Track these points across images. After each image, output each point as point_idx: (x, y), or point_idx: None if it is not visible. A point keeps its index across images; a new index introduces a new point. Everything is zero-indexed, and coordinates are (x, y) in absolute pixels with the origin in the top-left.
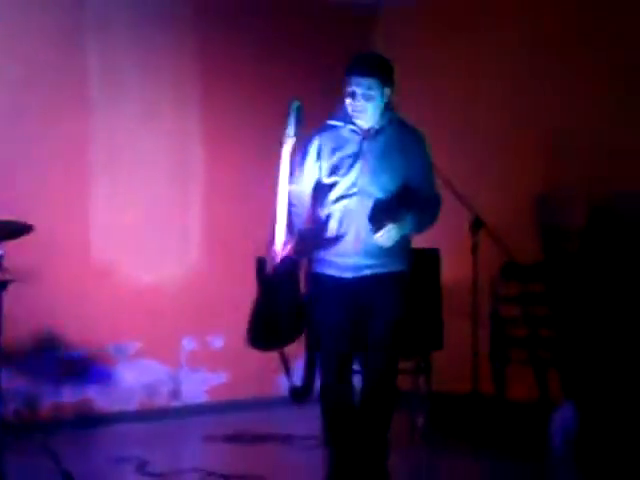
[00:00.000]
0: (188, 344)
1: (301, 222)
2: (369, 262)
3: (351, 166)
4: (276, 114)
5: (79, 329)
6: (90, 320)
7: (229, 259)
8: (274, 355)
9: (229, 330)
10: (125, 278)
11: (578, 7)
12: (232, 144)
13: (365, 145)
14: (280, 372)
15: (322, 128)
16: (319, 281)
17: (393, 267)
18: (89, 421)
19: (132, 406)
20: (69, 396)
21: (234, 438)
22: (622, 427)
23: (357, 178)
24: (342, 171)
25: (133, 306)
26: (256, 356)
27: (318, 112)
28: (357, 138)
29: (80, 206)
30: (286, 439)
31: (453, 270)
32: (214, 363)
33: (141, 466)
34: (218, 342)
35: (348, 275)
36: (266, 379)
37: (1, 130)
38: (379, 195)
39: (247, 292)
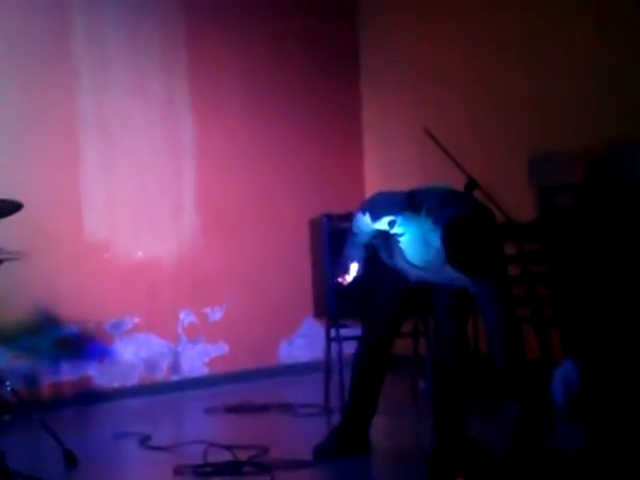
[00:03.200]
0: (186, 317)
1: None
2: None
3: None
4: (261, 82)
5: (76, 306)
6: (86, 297)
7: (223, 231)
8: (272, 324)
9: (226, 302)
10: (119, 254)
11: None
12: (221, 114)
13: None
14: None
15: None
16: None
17: None
18: (89, 398)
19: (132, 381)
20: (68, 374)
21: (235, 409)
22: (624, 383)
23: None
24: None
25: (129, 281)
26: (254, 326)
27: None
28: None
29: (71, 183)
30: (287, 408)
31: None
32: (213, 335)
33: (144, 440)
34: (216, 314)
35: None
36: (265, 349)
37: None
38: None
39: (242, 263)
